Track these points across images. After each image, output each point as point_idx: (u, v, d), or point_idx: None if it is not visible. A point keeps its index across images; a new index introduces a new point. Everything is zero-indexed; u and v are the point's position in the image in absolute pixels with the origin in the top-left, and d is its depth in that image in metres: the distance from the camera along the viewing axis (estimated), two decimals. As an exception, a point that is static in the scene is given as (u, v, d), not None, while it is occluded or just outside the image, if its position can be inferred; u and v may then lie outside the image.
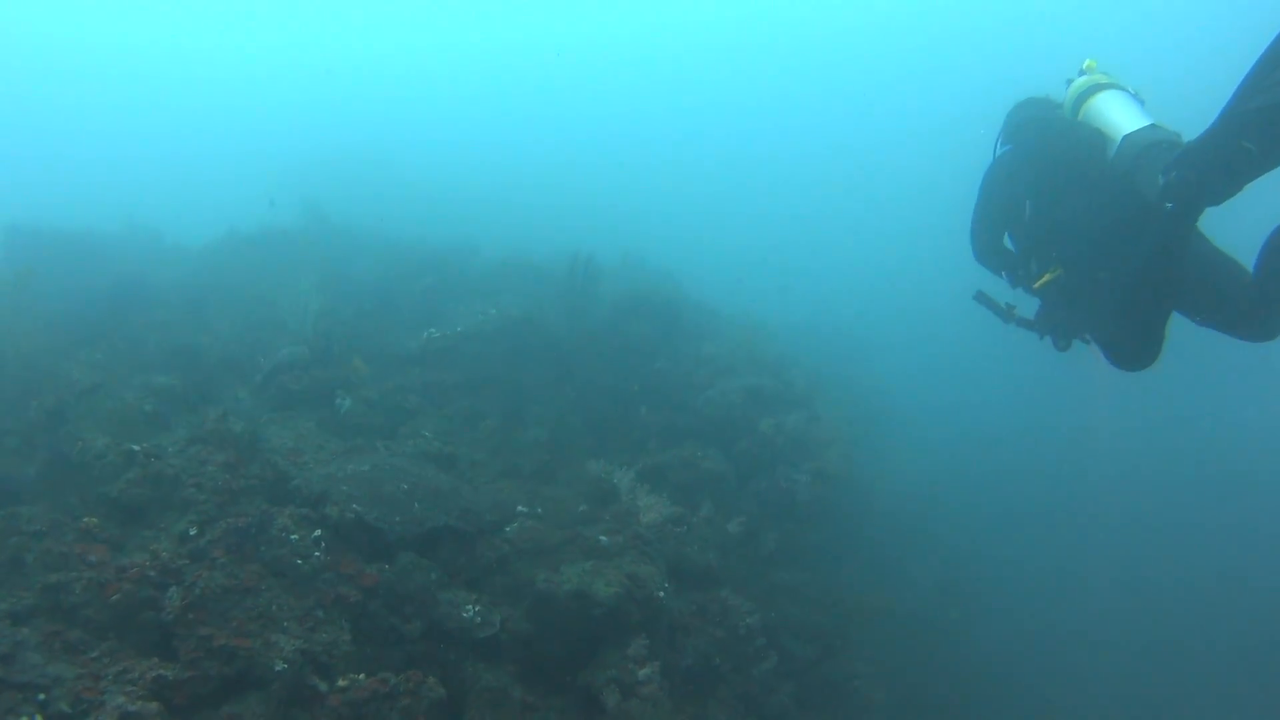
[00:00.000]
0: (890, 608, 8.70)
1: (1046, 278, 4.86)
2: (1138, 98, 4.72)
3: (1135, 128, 4.40)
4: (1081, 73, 5.02)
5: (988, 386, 21.54)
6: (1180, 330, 4.36)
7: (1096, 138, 4.60)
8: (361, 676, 4.86)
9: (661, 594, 5.70)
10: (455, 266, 13.46)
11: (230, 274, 12.83)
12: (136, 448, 6.02)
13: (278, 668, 4.58)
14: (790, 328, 16.04)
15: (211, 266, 13.41)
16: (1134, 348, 4.21)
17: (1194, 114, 4.36)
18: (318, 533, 5.48)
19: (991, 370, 21.36)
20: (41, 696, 4.01)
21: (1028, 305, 5.38)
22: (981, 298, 5.42)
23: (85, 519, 5.56)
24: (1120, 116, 4.54)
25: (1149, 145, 4.25)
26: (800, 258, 28.72)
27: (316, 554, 5.34)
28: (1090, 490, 17.04)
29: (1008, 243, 5.33)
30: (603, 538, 6.16)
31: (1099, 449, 18.80)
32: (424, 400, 8.74)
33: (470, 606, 5.49)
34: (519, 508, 6.45)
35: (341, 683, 4.80)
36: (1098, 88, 4.76)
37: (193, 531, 5.44)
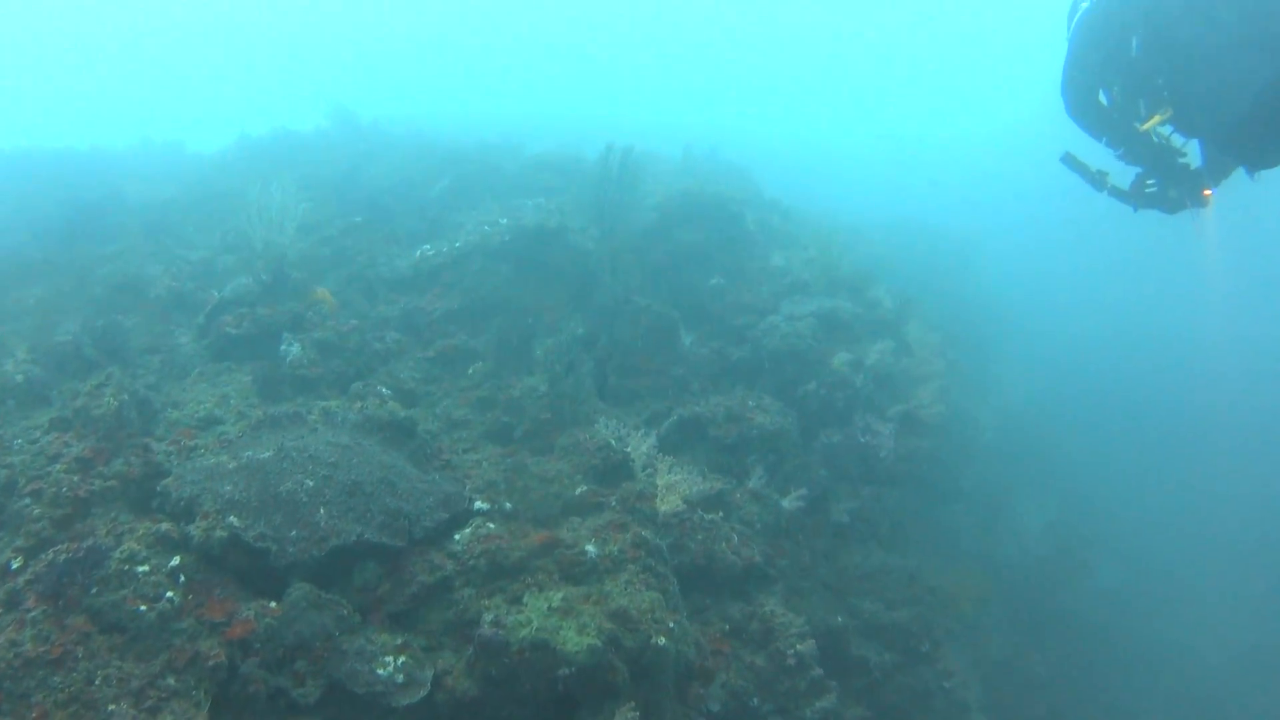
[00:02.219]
0: (988, 594, 6.83)
1: (1156, 119, 4.66)
2: None
3: None
4: None
5: (1102, 283, 18.74)
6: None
7: None
8: (213, 785, 3.36)
9: (663, 640, 3.98)
10: (479, 166, 11.56)
11: (227, 183, 11.28)
12: (-31, 441, 4.55)
13: (78, 788, 3.09)
14: (879, 227, 13.69)
15: (206, 179, 11.89)
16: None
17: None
18: (175, 560, 3.93)
19: (1106, 264, 18.63)
20: None
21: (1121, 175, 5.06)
22: (1070, 160, 5.19)
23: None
24: None
25: None
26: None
27: (169, 594, 3.80)
28: (1220, 411, 14.41)
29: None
30: (589, 547, 4.44)
31: (1225, 359, 16.06)
32: (404, 337, 7.10)
33: (390, 658, 3.89)
34: (477, 503, 4.75)
35: (179, 799, 3.30)
36: None
37: (15, 564, 3.96)
